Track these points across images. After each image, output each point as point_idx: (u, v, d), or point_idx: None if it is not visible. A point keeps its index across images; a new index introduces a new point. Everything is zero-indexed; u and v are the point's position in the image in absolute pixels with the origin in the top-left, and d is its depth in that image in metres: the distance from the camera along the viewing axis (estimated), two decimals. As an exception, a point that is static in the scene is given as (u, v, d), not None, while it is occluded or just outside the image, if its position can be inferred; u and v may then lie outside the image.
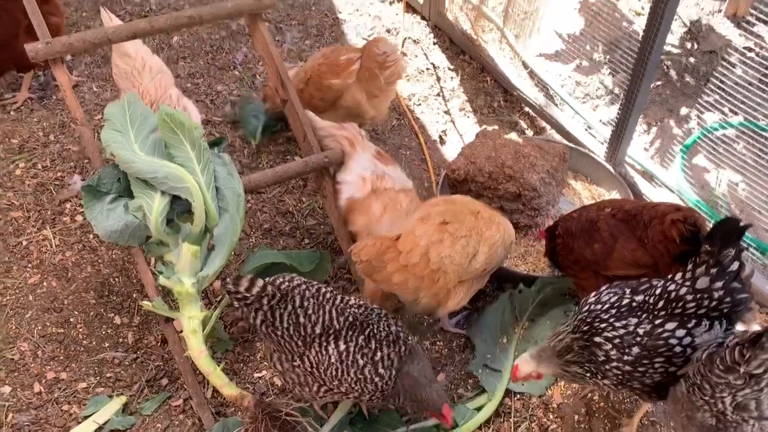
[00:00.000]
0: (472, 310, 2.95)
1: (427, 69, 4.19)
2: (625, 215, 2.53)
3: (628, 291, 2.16)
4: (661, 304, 2.07)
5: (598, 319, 2.14)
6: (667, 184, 3.45)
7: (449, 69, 4.21)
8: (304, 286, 2.27)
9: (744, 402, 1.84)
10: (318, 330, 2.22)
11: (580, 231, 2.57)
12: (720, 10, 4.45)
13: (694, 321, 2.04)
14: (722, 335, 2.01)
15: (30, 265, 3.04)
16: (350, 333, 2.24)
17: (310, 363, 2.25)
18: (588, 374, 2.20)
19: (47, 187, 3.34)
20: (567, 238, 2.60)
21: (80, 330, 2.85)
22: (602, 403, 2.67)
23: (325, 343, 2.22)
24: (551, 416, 2.63)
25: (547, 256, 2.81)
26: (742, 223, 1.94)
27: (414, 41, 4.37)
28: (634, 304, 2.12)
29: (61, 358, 2.76)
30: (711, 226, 2.07)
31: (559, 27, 4.24)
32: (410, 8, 4.58)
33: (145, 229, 2.49)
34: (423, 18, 4.54)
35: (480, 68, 4.20)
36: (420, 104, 3.98)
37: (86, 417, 2.57)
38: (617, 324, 2.11)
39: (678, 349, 2.04)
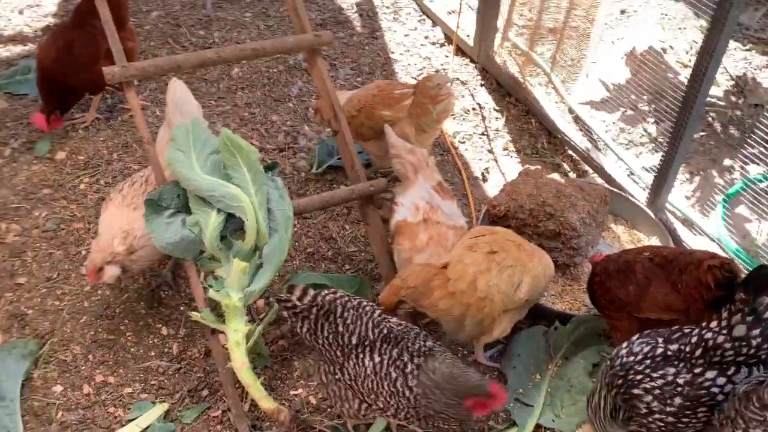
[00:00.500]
0: (506, 344, 3.00)
1: (473, 109, 4.32)
2: (662, 260, 2.58)
3: (660, 340, 2.17)
4: (698, 352, 2.09)
5: (632, 371, 2.16)
6: (708, 233, 3.47)
7: (495, 110, 4.33)
8: (346, 298, 2.37)
9: None
10: (354, 340, 2.30)
11: (616, 271, 2.62)
12: (768, 66, 4.50)
13: (733, 368, 2.06)
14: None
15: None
16: (384, 346, 2.30)
17: (349, 375, 2.32)
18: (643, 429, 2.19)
19: (108, 201, 3.55)
20: (604, 277, 2.65)
21: (129, 338, 3.00)
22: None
23: (361, 355, 2.29)
24: (581, 453, 2.65)
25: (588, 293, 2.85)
26: None
27: (462, 82, 4.52)
28: (669, 353, 2.13)
29: (110, 363, 2.90)
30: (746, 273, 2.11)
31: (606, 75, 4.34)
32: (460, 51, 4.75)
33: (200, 243, 2.64)
34: (472, 61, 4.70)
35: (525, 110, 4.31)
36: (464, 142, 4.10)
37: (130, 420, 2.68)
38: (654, 375, 2.12)
39: (720, 397, 2.05)
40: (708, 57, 2.95)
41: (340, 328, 2.31)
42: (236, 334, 2.59)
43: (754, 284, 1.99)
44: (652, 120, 4.13)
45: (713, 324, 2.09)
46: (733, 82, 4.40)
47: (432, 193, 2.97)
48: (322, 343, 2.34)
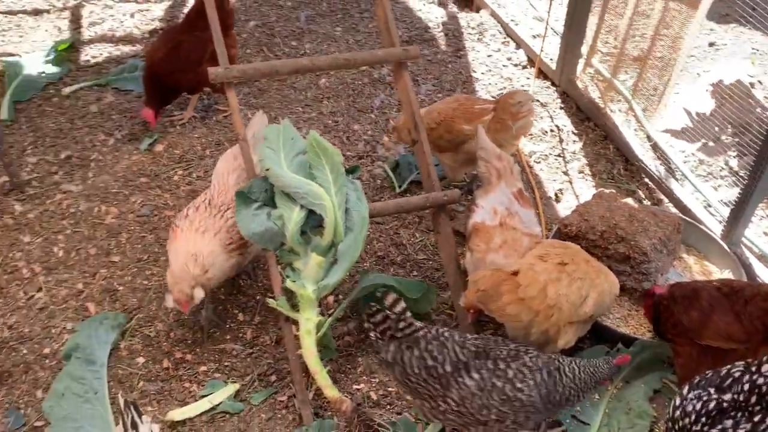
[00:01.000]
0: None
1: (551, 130, 4.38)
2: (729, 290, 2.59)
3: (712, 391, 2.12)
4: (753, 399, 2.04)
5: None
6: (785, 271, 3.39)
7: (573, 132, 4.37)
8: (425, 329, 2.43)
9: None
10: (449, 368, 2.35)
11: (682, 297, 2.64)
12: None
13: None
14: None
15: (175, 257, 3.46)
16: (478, 362, 2.37)
17: (455, 402, 2.36)
18: None
19: (198, 193, 3.79)
20: (670, 302, 2.67)
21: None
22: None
23: (460, 378, 2.34)
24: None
25: (649, 318, 2.86)
26: None
27: (542, 104, 4.59)
28: (724, 404, 2.08)
29: (189, 341, 3.10)
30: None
31: (689, 105, 4.30)
32: (542, 74, 4.82)
33: (282, 236, 2.82)
34: (553, 84, 4.76)
35: (603, 135, 4.34)
36: (540, 162, 4.16)
37: (203, 396, 2.86)
38: (714, 431, 2.07)
39: None
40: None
41: (430, 362, 2.35)
42: (308, 323, 2.75)
43: None
44: (734, 153, 4.07)
45: (764, 368, 2.04)
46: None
47: (512, 199, 3.04)
48: (416, 380, 2.37)
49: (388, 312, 2.36)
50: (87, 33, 5.12)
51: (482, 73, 4.90)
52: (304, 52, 4.98)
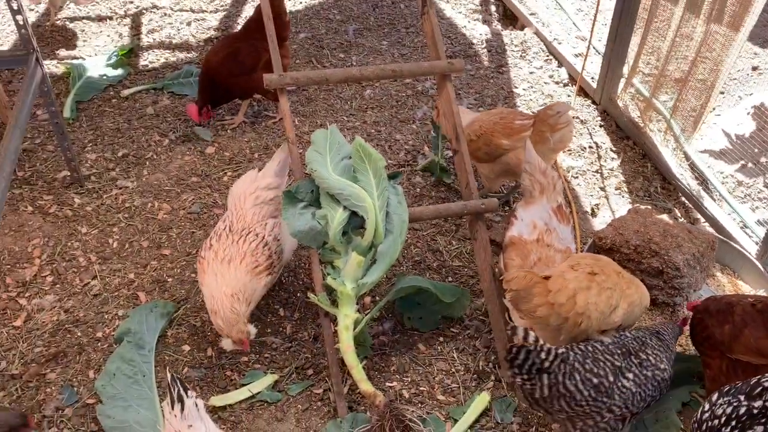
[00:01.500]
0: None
1: (590, 147, 4.45)
2: (763, 306, 2.62)
3: (742, 398, 2.15)
4: None
5: None
6: (821, 294, 3.39)
7: (611, 150, 4.44)
8: (566, 351, 2.46)
9: None
10: (611, 377, 2.45)
11: (716, 311, 2.68)
12: None
13: None
14: None
15: (221, 253, 3.62)
16: (627, 362, 2.52)
17: (618, 407, 2.47)
18: None
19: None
20: (704, 315, 2.72)
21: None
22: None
23: (619, 383, 2.46)
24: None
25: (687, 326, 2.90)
26: None
27: (581, 121, 4.66)
28: (754, 410, 2.10)
29: (232, 333, 3.26)
30: None
31: (729, 127, 4.34)
32: (582, 92, 4.90)
33: (325, 235, 2.96)
34: (593, 102, 4.83)
35: (642, 154, 4.39)
36: (578, 177, 4.24)
37: (243, 385, 3.00)
38: None
39: None
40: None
41: (595, 380, 2.42)
42: (346, 319, 2.88)
43: None
44: (773, 176, 4.09)
45: None
46: None
47: (551, 215, 3.10)
48: (585, 403, 2.41)
49: (527, 344, 2.33)
50: (146, 39, 5.40)
51: (524, 89, 5.00)
52: (351, 64, 5.16)
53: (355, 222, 3.01)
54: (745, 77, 4.98)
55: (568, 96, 4.89)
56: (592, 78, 4.88)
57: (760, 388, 2.14)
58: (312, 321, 3.31)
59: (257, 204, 3.17)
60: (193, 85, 4.74)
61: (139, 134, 4.42)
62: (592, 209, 4.02)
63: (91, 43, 5.36)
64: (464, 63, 3.49)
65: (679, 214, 4.00)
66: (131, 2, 5.85)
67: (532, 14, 5.77)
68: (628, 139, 4.52)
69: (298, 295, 3.45)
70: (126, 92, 4.77)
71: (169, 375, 2.39)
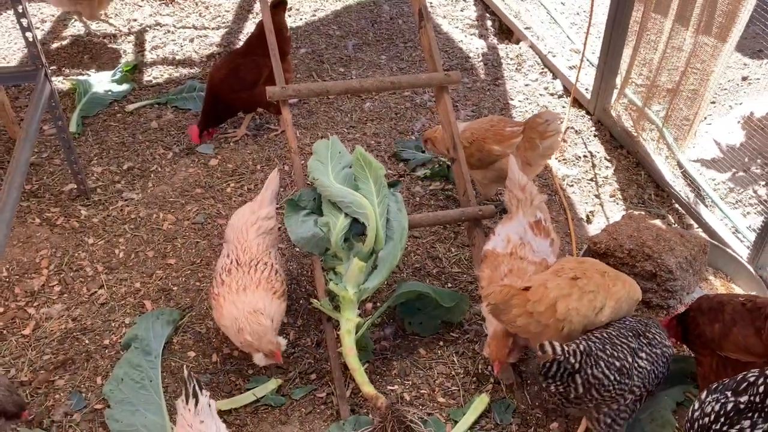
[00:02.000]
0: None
1: (584, 156, 4.55)
2: (753, 306, 2.70)
3: (729, 394, 2.23)
4: None
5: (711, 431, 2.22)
6: (812, 296, 3.47)
7: (605, 159, 4.54)
8: (585, 342, 2.55)
9: None
10: (630, 358, 2.57)
11: (708, 309, 2.77)
12: None
13: None
14: None
15: (226, 262, 3.71)
16: (639, 343, 2.64)
17: (638, 387, 2.59)
18: None
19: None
20: (697, 313, 2.80)
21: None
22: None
23: (636, 364, 2.58)
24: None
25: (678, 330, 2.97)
26: None
27: (576, 131, 4.77)
28: (741, 406, 2.19)
29: (236, 339, 3.33)
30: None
31: (720, 136, 4.44)
32: (577, 103, 5.01)
33: (327, 242, 3.05)
34: (587, 113, 4.94)
35: (636, 162, 4.49)
36: (572, 185, 4.33)
37: (248, 389, 3.07)
38: (732, 430, 2.18)
39: None
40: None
41: (618, 363, 2.53)
42: (348, 323, 2.96)
43: None
44: (763, 183, 4.18)
45: None
46: None
47: (526, 229, 3.13)
48: (612, 387, 2.51)
49: (557, 357, 2.44)
50: (150, 56, 5.52)
51: (519, 101, 5.11)
52: (350, 78, 5.27)
53: (357, 229, 3.10)
54: (736, 87, 5.09)
55: (563, 107, 5.00)
56: (586, 89, 4.99)
57: (745, 384, 2.23)
58: (314, 327, 3.39)
59: (260, 234, 3.17)
60: (197, 99, 4.85)
61: (144, 147, 4.52)
62: (588, 216, 4.11)
63: (96, 59, 5.48)
64: (461, 75, 3.60)
65: (672, 220, 4.09)
66: (135, 20, 5.98)
67: (527, 28, 5.90)
68: (622, 148, 4.62)
69: (301, 302, 3.53)
70: (130, 107, 4.88)
71: (185, 371, 2.46)
